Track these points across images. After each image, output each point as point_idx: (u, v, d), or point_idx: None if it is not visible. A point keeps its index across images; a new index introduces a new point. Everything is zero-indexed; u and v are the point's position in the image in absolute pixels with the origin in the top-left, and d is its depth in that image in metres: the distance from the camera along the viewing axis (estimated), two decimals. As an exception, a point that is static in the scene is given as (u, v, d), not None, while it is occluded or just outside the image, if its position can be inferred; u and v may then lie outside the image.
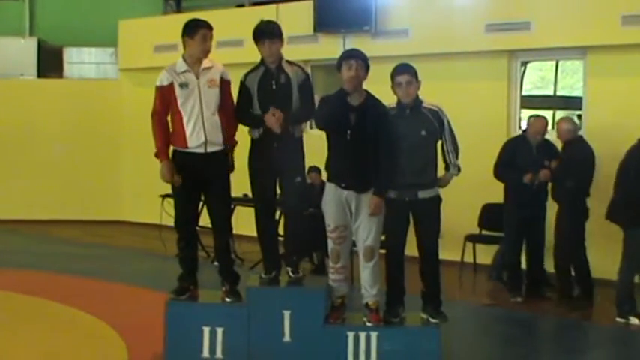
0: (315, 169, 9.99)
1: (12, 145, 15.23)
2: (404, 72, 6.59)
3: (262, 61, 6.76)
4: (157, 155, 6.62)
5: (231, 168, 6.80)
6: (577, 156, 9.07)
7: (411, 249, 6.68)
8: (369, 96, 6.38)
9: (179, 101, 6.56)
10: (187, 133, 6.56)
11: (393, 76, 6.61)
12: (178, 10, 15.62)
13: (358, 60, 6.27)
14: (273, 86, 6.66)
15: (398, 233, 6.60)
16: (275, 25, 6.81)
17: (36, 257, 11.76)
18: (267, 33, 6.70)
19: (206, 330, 6.51)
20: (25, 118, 15.26)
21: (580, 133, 9.46)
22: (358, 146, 6.27)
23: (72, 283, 9.98)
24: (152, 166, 6.84)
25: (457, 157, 6.72)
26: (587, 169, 9.02)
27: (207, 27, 6.63)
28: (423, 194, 6.57)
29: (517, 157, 9.33)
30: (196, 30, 6.60)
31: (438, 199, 6.64)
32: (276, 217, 7.27)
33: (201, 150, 6.58)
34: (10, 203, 15.06)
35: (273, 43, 6.66)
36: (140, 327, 7.67)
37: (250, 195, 6.99)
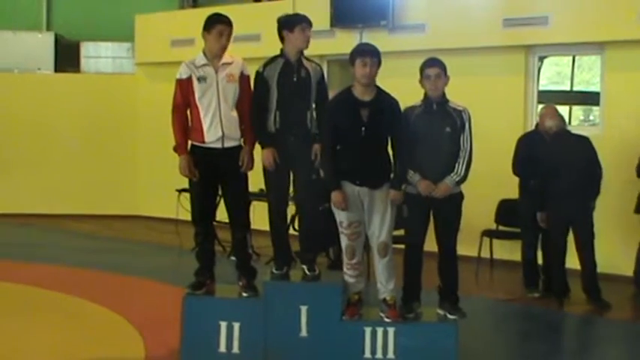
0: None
1: (29, 139, 15.30)
2: (433, 65, 6.53)
3: (282, 54, 6.72)
4: (175, 149, 6.62)
5: (251, 166, 6.72)
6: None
7: (428, 244, 6.66)
8: (380, 90, 6.37)
9: (197, 95, 6.54)
10: (205, 127, 6.54)
11: (422, 69, 6.56)
12: (195, 4, 15.64)
13: (373, 58, 6.25)
14: (294, 79, 6.63)
15: (418, 229, 6.58)
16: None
17: (51, 251, 11.82)
18: (305, 18, 6.70)
19: (223, 325, 6.50)
20: (41, 113, 15.31)
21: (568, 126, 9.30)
22: (373, 142, 6.27)
23: (88, 277, 10.00)
24: (168, 161, 6.85)
25: (467, 168, 6.54)
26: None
27: (225, 23, 6.60)
28: None
29: (533, 151, 9.25)
30: (213, 25, 6.59)
31: (460, 196, 6.60)
32: (290, 212, 7.23)
33: (218, 145, 6.57)
34: (27, 197, 15.13)
35: (309, 31, 6.66)
36: (157, 321, 7.69)
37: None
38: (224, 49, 6.61)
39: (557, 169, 8.74)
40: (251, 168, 6.72)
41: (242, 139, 6.71)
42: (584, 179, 8.72)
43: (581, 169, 8.70)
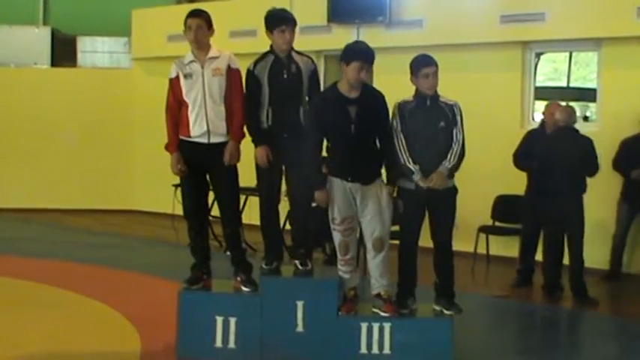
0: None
1: (25, 134, 15.30)
2: (431, 64, 6.49)
3: (272, 50, 6.69)
4: (166, 147, 6.67)
5: (236, 160, 6.69)
6: None
7: (423, 240, 6.67)
8: (365, 85, 6.39)
9: (184, 92, 6.60)
10: (191, 122, 6.58)
11: (418, 67, 6.51)
12: (191, -1, 15.62)
13: (371, 65, 6.30)
14: (284, 75, 6.61)
15: (413, 224, 6.58)
16: (290, 12, 6.77)
17: (48, 246, 11.81)
18: (284, 20, 6.64)
19: (219, 320, 6.51)
20: (38, 107, 15.30)
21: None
22: (362, 139, 6.29)
23: (84, 271, 10.00)
24: (164, 156, 6.84)
25: (459, 159, 6.52)
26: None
27: (191, 15, 6.65)
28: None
29: (533, 146, 9.21)
30: (185, 20, 6.66)
31: (454, 190, 6.61)
32: (282, 208, 7.22)
33: (204, 140, 6.59)
34: (23, 192, 15.14)
35: (291, 31, 6.61)
36: (153, 316, 7.68)
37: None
38: (195, 42, 6.62)
39: (549, 164, 8.72)
40: (236, 161, 6.70)
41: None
42: (576, 178, 8.68)
43: (573, 167, 8.64)
